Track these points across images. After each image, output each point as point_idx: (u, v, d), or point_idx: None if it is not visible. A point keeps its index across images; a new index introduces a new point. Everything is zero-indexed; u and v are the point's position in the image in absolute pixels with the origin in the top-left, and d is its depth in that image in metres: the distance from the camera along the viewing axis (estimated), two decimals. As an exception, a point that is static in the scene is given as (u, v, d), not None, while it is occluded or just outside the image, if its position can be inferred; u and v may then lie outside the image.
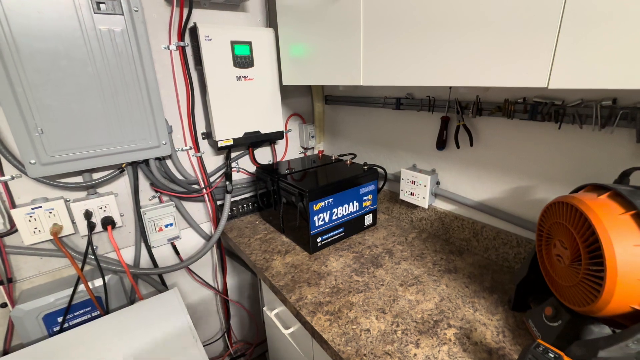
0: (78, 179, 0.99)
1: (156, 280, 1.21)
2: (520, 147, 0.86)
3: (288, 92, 1.40)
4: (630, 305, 0.49)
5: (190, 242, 1.27)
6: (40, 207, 0.92)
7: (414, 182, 1.10)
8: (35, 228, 0.92)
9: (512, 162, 0.89)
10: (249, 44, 1.12)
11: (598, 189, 0.58)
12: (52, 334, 0.96)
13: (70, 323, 0.99)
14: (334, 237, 1.09)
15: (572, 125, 0.75)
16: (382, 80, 0.79)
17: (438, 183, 1.10)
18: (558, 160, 0.80)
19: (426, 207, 1.10)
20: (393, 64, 0.75)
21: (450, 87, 0.96)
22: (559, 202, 0.60)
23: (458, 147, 0.99)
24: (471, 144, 0.95)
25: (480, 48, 0.59)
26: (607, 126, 0.68)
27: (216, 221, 1.26)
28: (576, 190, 0.63)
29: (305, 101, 1.48)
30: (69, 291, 0.97)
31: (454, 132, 0.98)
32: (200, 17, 1.11)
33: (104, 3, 0.86)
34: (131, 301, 1.14)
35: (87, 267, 1.04)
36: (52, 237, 0.94)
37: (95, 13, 0.85)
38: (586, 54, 0.47)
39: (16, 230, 0.93)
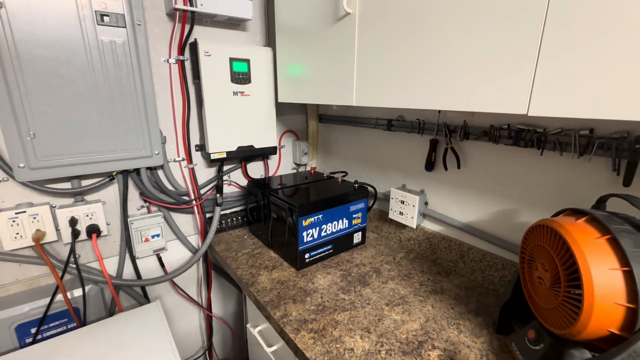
0: (66, 185, 0.98)
1: (138, 293, 1.17)
2: (505, 171, 0.89)
3: (284, 109, 1.43)
4: (608, 328, 0.50)
5: (176, 254, 1.25)
6: (25, 212, 0.90)
7: (403, 202, 1.12)
8: (17, 233, 0.90)
9: (497, 185, 0.91)
10: (247, 61, 1.16)
11: (576, 213, 0.60)
12: (23, 346, 0.92)
13: (44, 335, 0.95)
14: (322, 254, 1.09)
15: (553, 152, 0.78)
16: (373, 101, 0.82)
17: (426, 203, 1.11)
18: (541, 185, 0.82)
19: (414, 227, 1.11)
20: (384, 87, 0.78)
21: (439, 111, 1.00)
22: (540, 225, 0.62)
23: (446, 169, 1.02)
24: (458, 167, 0.98)
25: (465, 75, 0.62)
26: (585, 154, 0.71)
27: (204, 234, 1.24)
28: (557, 214, 0.65)
29: (300, 119, 1.52)
30: (45, 301, 0.94)
31: (443, 155, 1.01)
32: (201, 33, 1.14)
33: (107, 15, 0.89)
34: (110, 313, 1.10)
35: (67, 276, 1.01)
36: (33, 244, 0.92)
37: (98, 24, 0.88)
38: (563, 84, 0.50)
39: (-3, 235, 0.91)
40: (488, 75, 0.58)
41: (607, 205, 0.63)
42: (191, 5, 1.01)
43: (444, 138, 0.99)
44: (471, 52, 0.60)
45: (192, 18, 1.05)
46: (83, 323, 0.99)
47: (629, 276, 0.48)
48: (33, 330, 0.93)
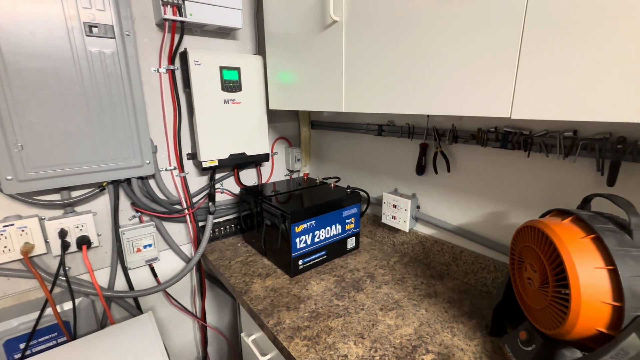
0: (56, 197, 0.97)
1: (131, 305, 1.16)
2: (494, 173, 0.90)
3: (276, 116, 1.44)
4: (596, 327, 0.51)
5: (169, 264, 1.24)
6: (13, 224, 0.89)
7: (395, 206, 1.12)
8: (5, 247, 0.89)
9: (487, 187, 0.92)
10: (238, 69, 1.17)
11: (562, 213, 0.61)
12: (11, 362, 0.90)
13: (34, 350, 0.93)
14: (316, 260, 1.09)
15: (540, 154, 0.80)
16: (363, 107, 0.83)
17: (418, 207, 1.12)
18: (529, 186, 0.83)
19: (407, 231, 1.12)
20: (372, 93, 0.79)
21: (428, 116, 1.01)
22: (527, 227, 0.62)
23: (436, 172, 1.03)
24: (448, 170, 0.99)
25: (451, 81, 0.63)
26: (570, 155, 0.72)
27: (197, 243, 1.24)
28: (544, 215, 0.66)
29: (292, 125, 1.52)
30: (34, 315, 0.92)
31: (432, 158, 1.02)
32: (191, 42, 1.15)
33: (96, 27, 0.89)
34: (102, 326, 1.09)
35: (57, 289, 1.00)
36: (22, 257, 0.91)
37: (87, 36, 0.88)
38: (542, 88, 0.51)
39: (-16, 249, 0.89)
40: (473, 80, 0.60)
41: (592, 204, 0.64)
42: (180, 15, 1.01)
43: (434, 142, 1.00)
44: (456, 59, 0.61)
45: (181, 28, 1.06)
46: (73, 337, 0.97)
47: (613, 275, 0.49)
48: (22, 346, 0.91)
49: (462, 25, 0.60)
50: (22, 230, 0.91)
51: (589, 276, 0.50)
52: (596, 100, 0.46)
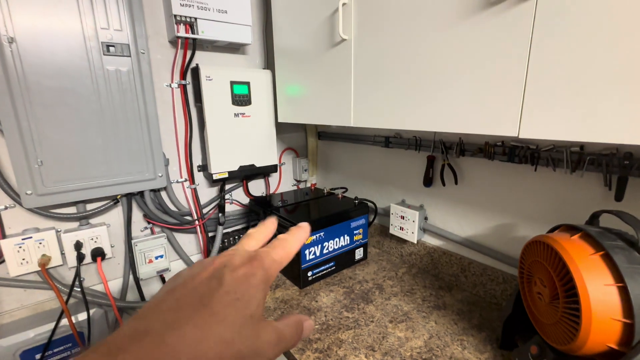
0: (72, 210, 1.00)
1: (142, 315, 1.17)
2: (501, 186, 0.91)
3: (283, 128, 1.46)
4: (607, 344, 0.51)
5: (179, 274, 1.25)
6: (31, 237, 0.92)
7: (403, 217, 1.13)
8: (23, 259, 0.92)
9: (494, 200, 0.93)
10: (248, 84, 1.19)
11: (571, 229, 0.62)
12: (27, 373, 0.92)
13: (49, 360, 0.95)
14: (325, 272, 1.10)
15: (547, 168, 0.81)
16: (371, 123, 0.85)
17: (426, 218, 1.13)
18: (536, 199, 0.84)
19: (415, 242, 1.13)
20: (381, 110, 0.81)
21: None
22: (536, 242, 0.63)
23: (444, 184, 1.04)
24: (456, 182, 1.00)
25: (459, 101, 0.65)
26: (577, 170, 0.73)
27: (207, 253, 1.25)
28: (552, 230, 0.67)
29: (299, 136, 1.55)
30: (50, 326, 0.94)
31: (440, 171, 1.03)
32: (202, 58, 1.18)
33: (113, 46, 0.92)
34: (114, 337, 1.10)
35: (71, 300, 1.02)
36: (39, 269, 0.93)
37: (104, 55, 0.92)
38: (549, 110, 0.53)
39: (2, 261, 0.92)
40: (480, 100, 0.61)
41: (601, 220, 0.65)
42: (193, 32, 1.05)
43: (441, 155, 1.02)
44: (464, 78, 0.63)
45: (193, 44, 1.09)
46: (87, 347, 0.99)
47: (623, 292, 0.50)
48: (38, 357, 0.93)
49: (470, 46, 0.61)
50: (40, 243, 0.93)
51: (599, 293, 0.51)
52: (602, 122, 0.47)
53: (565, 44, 0.50)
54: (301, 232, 0.27)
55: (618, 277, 0.51)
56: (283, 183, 1.52)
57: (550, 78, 0.52)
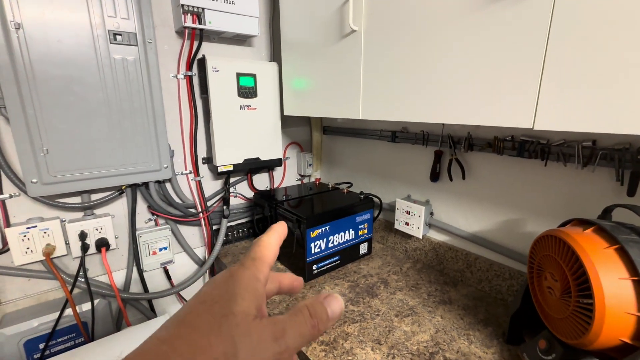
0: (76, 200, 0.99)
1: (145, 307, 1.17)
2: (509, 181, 0.91)
3: (288, 122, 1.45)
4: (620, 338, 0.51)
5: (182, 267, 1.25)
6: (35, 226, 0.91)
7: (408, 212, 1.13)
8: (28, 248, 0.91)
9: (502, 195, 0.93)
10: (254, 76, 1.18)
11: (583, 223, 0.62)
12: (31, 362, 0.92)
13: (52, 350, 0.95)
14: (330, 265, 1.09)
15: (557, 163, 0.80)
16: (380, 115, 0.84)
17: (432, 214, 1.13)
18: (546, 195, 0.84)
19: (420, 237, 1.12)
20: (391, 101, 0.81)
21: (443, 124, 1.02)
22: (548, 236, 0.63)
23: (451, 179, 1.03)
24: (463, 177, 1.00)
25: (471, 91, 0.64)
26: (589, 165, 0.73)
27: (211, 246, 1.25)
28: (563, 224, 0.67)
29: (304, 130, 1.54)
30: (54, 316, 0.94)
31: (447, 166, 1.03)
32: (208, 49, 1.17)
33: (120, 35, 0.91)
34: (117, 328, 1.10)
35: (75, 291, 1.01)
36: (43, 258, 0.92)
37: (111, 43, 0.91)
38: (567, 99, 0.52)
39: (7, 250, 0.91)
40: (494, 90, 0.61)
41: (613, 215, 0.64)
42: (200, 23, 1.04)
43: (449, 149, 1.01)
44: (477, 69, 0.62)
45: (200, 35, 1.08)
46: (91, 338, 0.99)
47: (638, 286, 0.49)
48: (41, 346, 0.92)
49: (485, 35, 0.61)
50: (44, 232, 0.93)
51: (613, 287, 0.50)
52: (622, 113, 0.47)
53: (585, 31, 0.49)
54: (280, 227, 0.28)
55: (633, 270, 0.50)
56: (287, 177, 1.51)
57: (568, 67, 0.51)
